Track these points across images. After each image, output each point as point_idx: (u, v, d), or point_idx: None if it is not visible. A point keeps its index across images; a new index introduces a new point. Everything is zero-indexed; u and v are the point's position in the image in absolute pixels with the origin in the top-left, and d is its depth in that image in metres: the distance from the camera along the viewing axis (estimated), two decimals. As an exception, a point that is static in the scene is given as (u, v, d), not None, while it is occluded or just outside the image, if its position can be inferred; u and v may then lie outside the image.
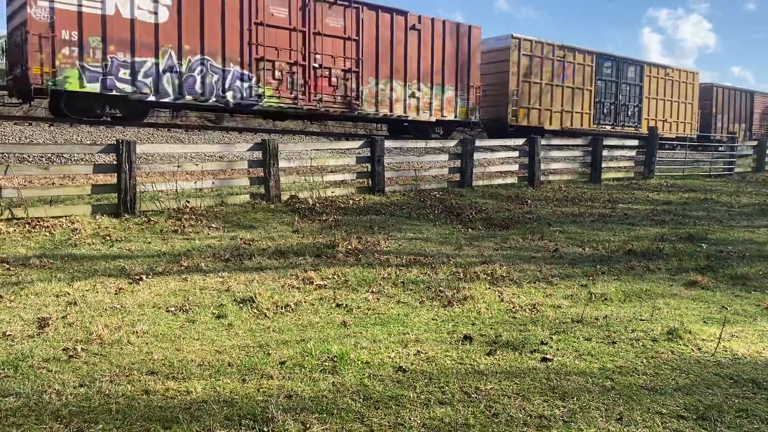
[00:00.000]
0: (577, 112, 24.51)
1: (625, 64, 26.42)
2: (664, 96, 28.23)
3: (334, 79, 18.09)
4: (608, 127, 25.61)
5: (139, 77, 14.99)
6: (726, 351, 4.62)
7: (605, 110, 25.78)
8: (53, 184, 9.91)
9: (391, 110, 19.38)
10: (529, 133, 21.12)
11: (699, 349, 4.65)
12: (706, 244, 8.91)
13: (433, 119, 20.33)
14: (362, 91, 18.64)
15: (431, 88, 20.12)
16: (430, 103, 20.18)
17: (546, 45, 23.33)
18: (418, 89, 19.85)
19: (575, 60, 24.27)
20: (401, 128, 20.84)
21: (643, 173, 16.73)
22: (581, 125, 24.52)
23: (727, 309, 5.91)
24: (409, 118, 19.89)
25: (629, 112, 26.80)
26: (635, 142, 17.96)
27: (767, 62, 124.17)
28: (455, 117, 20.84)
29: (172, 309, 5.37)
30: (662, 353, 4.55)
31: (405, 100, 19.57)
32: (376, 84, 18.97)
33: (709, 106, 32.16)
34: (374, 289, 6.18)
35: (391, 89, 19.30)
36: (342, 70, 18.18)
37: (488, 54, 22.35)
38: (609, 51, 27.54)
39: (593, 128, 24.68)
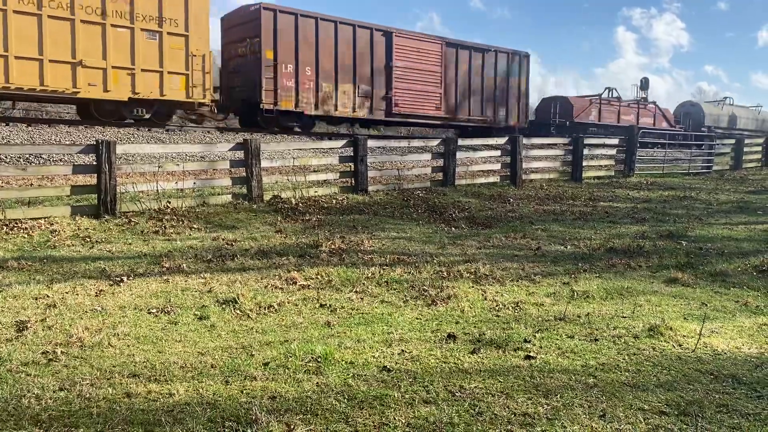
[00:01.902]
0: None
1: None
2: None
3: None
4: None
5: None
6: (706, 347, 4.67)
7: None
8: (31, 185, 9.77)
9: None
10: None
11: (680, 345, 4.70)
12: (685, 242, 9.02)
13: None
14: None
15: None
16: None
17: None
18: None
19: None
20: None
21: (624, 171, 16.90)
22: None
23: (706, 305, 5.98)
24: None
25: None
26: (616, 140, 18.11)
27: (739, 61, 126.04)
28: None
29: (154, 311, 5.31)
30: (644, 350, 4.59)
31: None
32: None
33: (257, 46, 17.56)
34: (358, 289, 6.17)
35: None
36: None
37: None
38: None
39: None
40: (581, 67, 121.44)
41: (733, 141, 22.49)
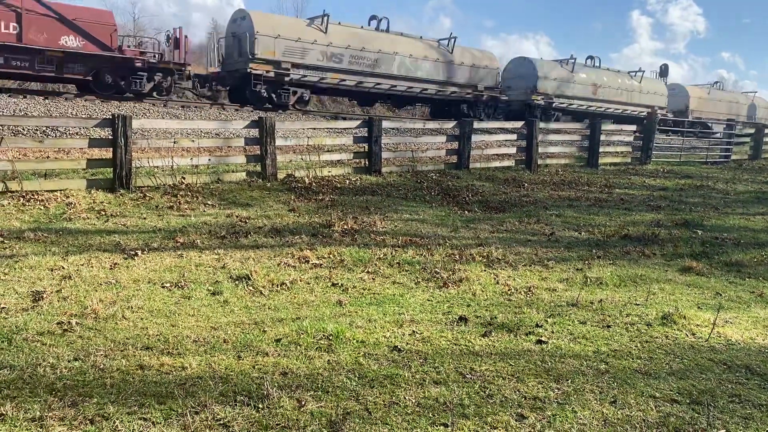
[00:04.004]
0: None
1: None
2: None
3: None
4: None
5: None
6: (720, 337, 4.64)
7: None
8: (48, 157, 9.83)
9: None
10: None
11: (693, 334, 4.67)
12: (701, 231, 8.93)
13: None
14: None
15: None
16: None
17: None
18: None
19: None
20: None
21: (640, 159, 16.71)
22: None
23: (721, 295, 5.93)
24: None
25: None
26: (633, 127, 17.91)
27: (756, 47, 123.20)
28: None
29: (168, 285, 5.35)
30: (656, 338, 4.56)
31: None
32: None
33: None
34: (370, 269, 6.18)
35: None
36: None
37: None
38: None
39: None
40: (595, 51, 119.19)
41: (752, 130, 22.14)
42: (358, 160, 11.79)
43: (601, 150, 15.54)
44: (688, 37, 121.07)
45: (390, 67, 21.39)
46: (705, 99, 34.78)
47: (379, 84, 21.29)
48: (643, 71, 31.49)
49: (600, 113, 28.29)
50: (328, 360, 3.87)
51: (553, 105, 26.49)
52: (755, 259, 7.45)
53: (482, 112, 24.26)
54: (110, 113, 10.95)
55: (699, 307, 5.43)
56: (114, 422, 3.01)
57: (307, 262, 6.29)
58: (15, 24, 15.01)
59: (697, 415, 3.36)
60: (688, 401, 3.52)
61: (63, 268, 5.63)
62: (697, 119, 30.92)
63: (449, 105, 23.79)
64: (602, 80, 28.93)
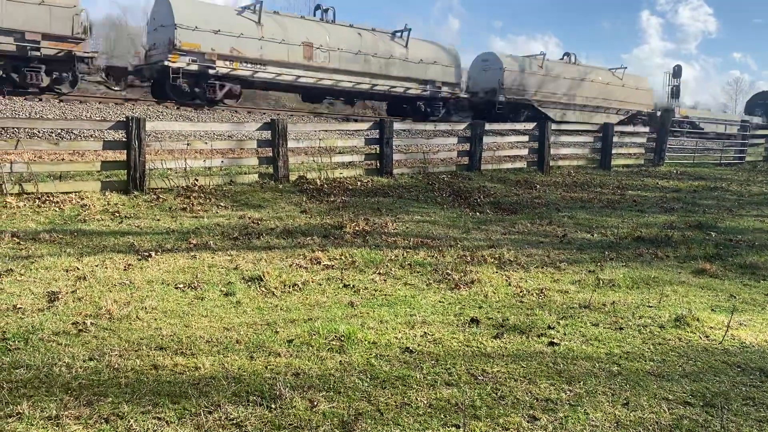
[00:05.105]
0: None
1: None
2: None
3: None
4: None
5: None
6: (734, 339, 4.60)
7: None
8: (63, 159, 9.93)
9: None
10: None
11: (707, 336, 4.64)
12: (715, 233, 8.86)
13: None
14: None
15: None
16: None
17: None
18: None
19: None
20: None
21: (654, 160, 16.61)
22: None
23: (735, 297, 5.89)
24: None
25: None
26: (646, 129, 17.82)
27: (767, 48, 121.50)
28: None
29: (181, 286, 5.39)
30: (669, 340, 4.54)
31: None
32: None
33: None
34: (381, 271, 6.19)
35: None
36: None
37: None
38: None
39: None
40: (605, 51, 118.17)
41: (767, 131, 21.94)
42: (369, 162, 11.80)
43: (613, 151, 15.45)
44: (699, 37, 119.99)
45: None
46: (530, 74, 25.13)
47: None
48: (410, 29, 21.54)
49: (324, 88, 20.27)
50: (340, 361, 3.89)
51: (214, 71, 17.79)
52: (770, 262, 7.39)
53: (60, 78, 15.61)
54: (124, 116, 11.05)
55: (713, 310, 5.39)
56: (128, 421, 3.04)
57: (319, 263, 6.31)
58: None
59: (710, 417, 3.34)
60: (701, 404, 3.50)
61: (78, 269, 5.69)
62: (515, 100, 23.95)
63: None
64: (325, 39, 19.70)
